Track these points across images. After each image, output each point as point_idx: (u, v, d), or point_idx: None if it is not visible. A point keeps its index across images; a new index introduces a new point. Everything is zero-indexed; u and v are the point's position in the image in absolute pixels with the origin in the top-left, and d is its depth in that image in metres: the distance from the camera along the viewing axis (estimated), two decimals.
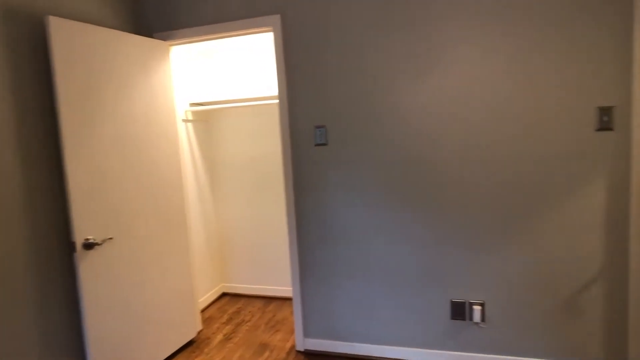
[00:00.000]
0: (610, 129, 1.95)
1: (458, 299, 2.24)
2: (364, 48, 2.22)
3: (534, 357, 2.15)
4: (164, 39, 2.54)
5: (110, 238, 2.12)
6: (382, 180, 2.28)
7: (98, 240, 2.06)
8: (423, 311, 2.30)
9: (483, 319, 2.21)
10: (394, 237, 2.29)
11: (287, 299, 3.41)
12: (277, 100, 2.76)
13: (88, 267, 2.01)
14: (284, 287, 3.43)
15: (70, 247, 2.09)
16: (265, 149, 3.33)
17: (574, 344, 2.10)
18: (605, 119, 1.95)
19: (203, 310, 3.27)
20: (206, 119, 3.45)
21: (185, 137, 3.14)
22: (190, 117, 3.24)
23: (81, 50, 2.00)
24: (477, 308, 2.19)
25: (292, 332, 2.82)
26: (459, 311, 2.24)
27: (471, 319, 2.22)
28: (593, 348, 2.07)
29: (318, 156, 2.38)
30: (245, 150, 3.39)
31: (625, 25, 1.88)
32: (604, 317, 2.04)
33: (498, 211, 2.12)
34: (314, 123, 2.36)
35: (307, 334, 2.54)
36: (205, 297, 3.33)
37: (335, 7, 2.24)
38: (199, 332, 2.87)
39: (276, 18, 2.33)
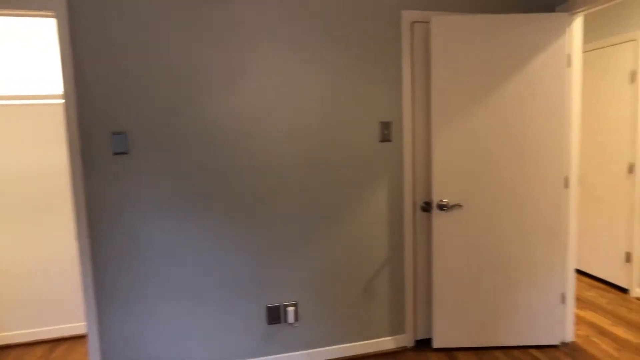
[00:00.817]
0: (389, 140, 2.35)
1: (273, 303, 2.29)
2: (171, 49, 2.06)
3: (342, 343, 2.40)
4: None
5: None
6: (190, 192, 2.15)
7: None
8: (240, 322, 2.27)
9: (297, 318, 2.32)
10: (205, 251, 2.19)
11: (82, 337, 2.85)
12: (62, 100, 2.28)
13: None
14: (76, 323, 2.85)
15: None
16: (46, 161, 2.72)
17: (370, 325, 2.43)
18: (386, 132, 2.34)
19: None
20: None
21: None
22: None
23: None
24: (290, 309, 2.29)
25: None
26: (275, 315, 2.30)
27: (286, 320, 2.31)
28: (383, 325, 2.45)
29: (117, 167, 2.07)
30: (18, 162, 2.68)
31: (398, 62, 2.32)
32: (390, 296, 2.44)
33: (304, 216, 2.28)
34: (111, 129, 2.04)
35: None
36: None
37: None
38: None
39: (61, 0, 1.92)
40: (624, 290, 3.29)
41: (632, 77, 3.13)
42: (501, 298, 2.38)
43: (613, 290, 3.32)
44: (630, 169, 3.18)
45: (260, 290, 2.27)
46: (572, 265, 2.44)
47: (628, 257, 3.23)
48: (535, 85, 2.25)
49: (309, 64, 2.21)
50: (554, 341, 2.44)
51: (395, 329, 2.47)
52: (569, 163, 2.37)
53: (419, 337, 2.52)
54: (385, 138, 2.34)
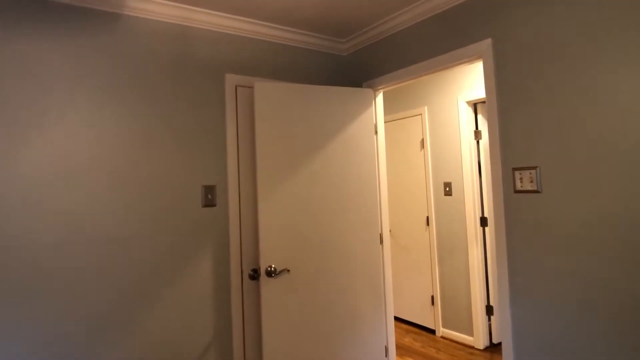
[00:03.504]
0: (213, 204, 2.16)
1: None
2: None
3: None
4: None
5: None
6: None
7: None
8: None
9: None
10: None
11: None
12: None
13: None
14: None
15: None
16: None
17: None
18: (210, 197, 2.14)
19: None
20: None
21: None
22: None
23: None
24: None
25: None
26: None
27: None
28: None
29: None
30: None
31: (223, 124, 2.21)
32: None
33: (116, 296, 1.84)
34: None
35: None
36: None
37: None
38: None
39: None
40: (432, 332, 3.72)
41: (422, 144, 3.78)
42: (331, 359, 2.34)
43: (424, 332, 3.72)
44: (428, 222, 3.74)
45: None
46: (391, 316, 2.61)
47: (432, 300, 3.71)
48: (352, 150, 2.45)
49: (122, 120, 1.89)
50: None
51: None
52: (382, 221, 2.60)
53: None
54: (209, 203, 2.14)
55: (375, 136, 2.60)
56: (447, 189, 3.59)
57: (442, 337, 3.59)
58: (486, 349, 3.31)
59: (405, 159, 3.98)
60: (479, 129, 3.46)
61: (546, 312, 1.72)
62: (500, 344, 3.39)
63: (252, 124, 2.28)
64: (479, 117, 3.47)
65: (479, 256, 3.37)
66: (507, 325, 1.85)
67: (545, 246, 1.72)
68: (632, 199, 1.47)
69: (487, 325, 3.38)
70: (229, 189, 2.19)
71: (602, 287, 1.55)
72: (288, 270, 2.22)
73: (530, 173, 1.76)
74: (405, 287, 3.97)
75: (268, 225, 2.19)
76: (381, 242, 2.59)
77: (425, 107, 3.75)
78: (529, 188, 1.77)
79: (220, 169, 2.19)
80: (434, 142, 3.70)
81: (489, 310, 3.38)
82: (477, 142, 3.47)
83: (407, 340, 3.55)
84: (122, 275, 1.87)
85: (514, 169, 1.83)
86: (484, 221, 3.43)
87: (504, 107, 1.88)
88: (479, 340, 3.32)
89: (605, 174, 1.54)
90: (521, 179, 1.80)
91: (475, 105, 3.48)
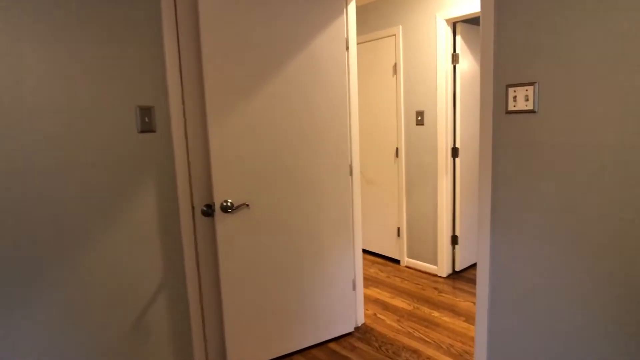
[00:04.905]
0: (152, 130, 1.79)
1: None
2: None
3: None
4: None
5: None
6: None
7: None
8: None
9: None
10: None
11: None
12: None
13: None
14: None
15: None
16: None
17: None
18: (147, 120, 1.77)
19: None
20: None
21: None
22: None
23: None
24: None
25: None
26: None
27: None
28: None
29: None
30: None
31: (158, 30, 1.76)
32: (171, 329, 1.92)
33: (35, 238, 1.51)
34: None
35: None
36: None
37: None
38: None
39: None
40: (397, 262, 3.71)
41: (395, 69, 3.46)
42: (297, 299, 2.20)
43: (389, 263, 3.70)
44: (397, 153, 3.55)
45: None
46: (359, 249, 2.47)
47: (398, 232, 3.64)
48: (320, 68, 2.10)
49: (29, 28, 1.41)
50: (349, 329, 2.44)
51: None
52: (352, 150, 2.35)
53: None
54: (146, 128, 1.77)
55: (346, 53, 2.24)
56: (419, 118, 3.36)
57: (406, 266, 3.58)
58: (449, 276, 3.33)
59: (375, 85, 3.66)
60: (457, 52, 3.16)
61: (528, 243, 1.59)
62: (462, 271, 3.42)
63: (198, 34, 1.85)
64: (458, 38, 3.15)
65: (448, 187, 3.26)
66: (485, 253, 1.73)
67: (537, 172, 1.54)
68: (631, 121, 1.28)
69: (451, 254, 3.38)
70: (172, 111, 1.82)
71: (596, 218, 1.41)
72: (247, 205, 1.96)
73: (526, 90, 1.53)
74: (372, 219, 3.88)
75: (222, 155, 1.87)
76: (351, 173, 2.36)
77: (400, 27, 3.37)
78: (524, 108, 1.54)
79: (158, 87, 1.79)
80: (407, 67, 3.38)
81: (454, 240, 3.36)
82: (454, 67, 3.19)
83: (373, 271, 3.51)
84: (48, 217, 1.53)
85: (508, 86, 1.58)
86: (455, 152, 3.28)
87: (501, 15, 1.58)
88: (443, 269, 3.33)
89: (607, 95, 1.33)
90: (515, 97, 1.56)
91: (454, 25, 3.14)
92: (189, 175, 1.90)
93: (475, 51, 3.32)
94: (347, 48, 2.25)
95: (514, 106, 1.57)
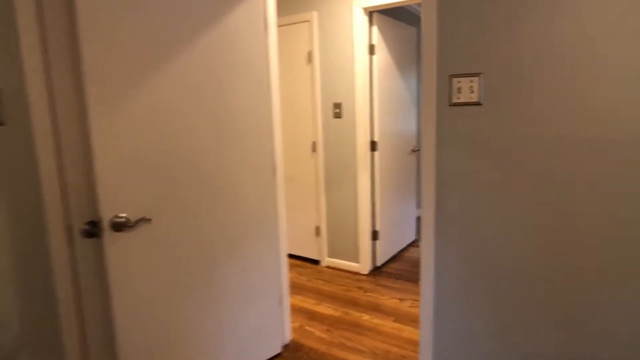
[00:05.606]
0: (1, 123, 1.28)
1: None
2: None
3: None
4: None
5: None
6: None
7: None
8: None
9: None
10: None
11: None
12: None
13: None
14: None
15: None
16: None
17: None
18: None
19: None
20: None
21: None
22: None
23: None
24: None
25: None
26: None
27: None
28: None
29: None
30: None
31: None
32: None
33: None
34: None
35: None
36: None
37: None
38: None
39: None
40: (316, 262, 3.52)
41: (309, 58, 3.23)
42: (216, 324, 1.84)
43: (308, 264, 3.50)
44: (314, 148, 3.34)
45: None
46: (285, 257, 2.20)
47: (317, 231, 3.45)
48: (236, 49, 1.75)
49: None
50: (277, 350, 2.16)
51: None
52: (275, 146, 2.06)
53: None
54: None
55: (266, 33, 1.93)
56: (337, 110, 3.19)
57: (327, 267, 3.42)
58: (370, 272, 3.26)
59: (289, 74, 3.39)
60: (374, 42, 3.05)
61: (471, 234, 1.50)
62: (382, 265, 3.38)
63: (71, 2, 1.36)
64: (374, 29, 3.04)
65: (367, 182, 3.16)
66: (430, 255, 1.60)
67: (482, 165, 1.44)
68: (581, 112, 1.24)
69: (372, 249, 3.31)
70: (31, 96, 1.31)
71: (541, 209, 1.35)
72: (149, 220, 1.54)
73: (471, 81, 1.41)
74: (289, 219, 3.62)
75: (112, 154, 1.42)
76: (274, 173, 2.06)
77: (315, 13, 3.14)
78: (469, 100, 1.42)
79: (9, 65, 1.27)
80: (323, 56, 3.18)
81: (375, 235, 3.29)
82: (371, 58, 3.08)
83: (292, 275, 3.27)
84: None
85: (452, 76, 1.45)
86: (373, 145, 3.19)
87: (443, 3, 1.44)
88: (365, 266, 3.25)
89: (552, 85, 1.27)
90: (459, 89, 1.44)
91: (371, 15, 3.02)
92: (62, 183, 1.41)
93: (390, 44, 3.26)
94: (266, 28, 1.94)
95: (459, 98, 1.45)
